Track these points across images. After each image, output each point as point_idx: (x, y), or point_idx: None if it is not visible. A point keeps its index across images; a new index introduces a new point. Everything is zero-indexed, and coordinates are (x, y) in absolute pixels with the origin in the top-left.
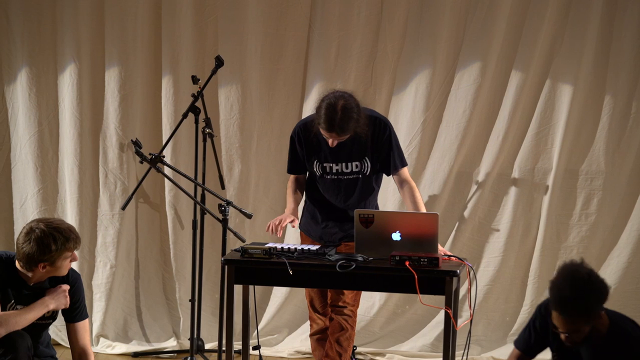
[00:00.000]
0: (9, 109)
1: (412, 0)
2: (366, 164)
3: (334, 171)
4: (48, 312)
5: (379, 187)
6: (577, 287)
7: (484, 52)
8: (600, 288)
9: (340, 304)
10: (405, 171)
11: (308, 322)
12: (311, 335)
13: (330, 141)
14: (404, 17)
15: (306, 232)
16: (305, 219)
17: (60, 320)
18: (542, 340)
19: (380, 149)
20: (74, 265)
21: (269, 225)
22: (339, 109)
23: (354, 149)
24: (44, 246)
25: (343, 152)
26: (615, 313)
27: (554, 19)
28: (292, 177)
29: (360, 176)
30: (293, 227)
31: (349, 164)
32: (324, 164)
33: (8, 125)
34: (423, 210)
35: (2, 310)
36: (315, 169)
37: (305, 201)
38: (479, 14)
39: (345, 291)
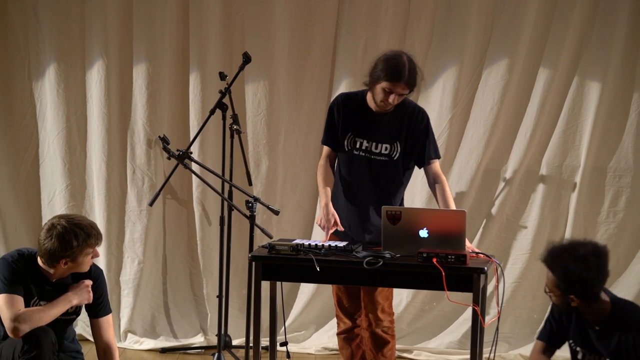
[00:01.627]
0: (38, 105)
1: None
2: (396, 148)
3: (364, 147)
4: (71, 307)
5: (407, 181)
6: (566, 248)
7: (512, 49)
8: (591, 263)
9: (378, 314)
10: (437, 164)
11: (335, 319)
12: (338, 334)
13: (390, 97)
14: (432, 14)
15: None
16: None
17: (87, 316)
18: (562, 328)
19: (416, 136)
20: (99, 262)
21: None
22: (406, 60)
23: (388, 130)
24: (65, 242)
25: (377, 130)
26: (620, 298)
27: (582, 15)
28: (323, 162)
29: (388, 159)
30: (341, 229)
31: (379, 145)
32: (356, 139)
33: (36, 121)
34: (453, 207)
35: (25, 307)
36: (346, 143)
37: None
38: (506, 11)
39: (380, 300)
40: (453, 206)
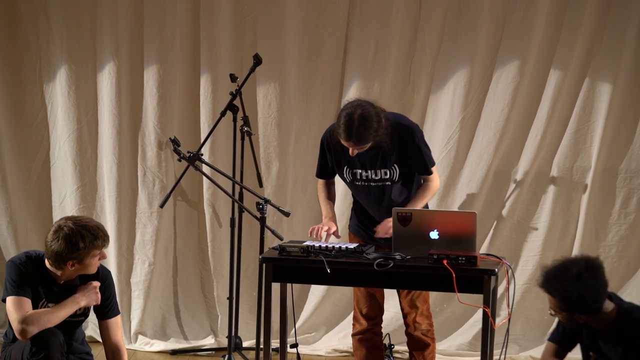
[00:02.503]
0: (49, 107)
1: None
2: (395, 171)
3: (364, 177)
4: (79, 309)
5: (417, 186)
6: (560, 271)
7: (523, 51)
8: (587, 280)
9: (417, 318)
10: (434, 170)
11: (345, 321)
12: (353, 335)
13: (350, 150)
14: (442, 16)
15: (356, 234)
16: (354, 221)
17: (92, 318)
18: (574, 330)
19: (409, 155)
20: (110, 264)
21: (313, 230)
22: (356, 117)
23: (380, 157)
24: (72, 244)
25: (370, 159)
26: (625, 303)
27: (593, 17)
28: (321, 181)
29: (389, 183)
30: (338, 237)
31: (378, 172)
32: (354, 170)
33: (47, 123)
34: (417, 205)
35: (33, 309)
36: (345, 175)
37: (354, 203)
38: (517, 13)
39: (418, 304)
40: (422, 200)
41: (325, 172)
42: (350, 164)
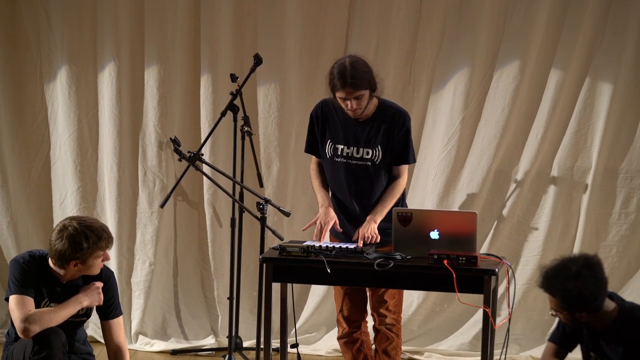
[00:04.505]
0: (49, 107)
1: None
2: (378, 152)
3: (344, 154)
4: (82, 309)
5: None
6: (559, 270)
7: (523, 51)
8: (586, 277)
9: (382, 311)
10: (406, 167)
11: None
12: (339, 338)
13: (348, 104)
14: (443, 16)
15: (335, 236)
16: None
17: (98, 318)
18: (574, 330)
19: (395, 139)
20: (110, 264)
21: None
22: (347, 64)
23: (368, 135)
24: (75, 244)
25: (357, 135)
26: (626, 302)
27: (593, 16)
28: (314, 166)
29: (370, 164)
30: (339, 230)
31: (361, 149)
32: (336, 145)
33: (48, 123)
34: (386, 205)
35: (36, 308)
36: (327, 150)
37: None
38: (517, 13)
39: (386, 298)
40: (391, 201)
41: (314, 146)
42: (334, 138)
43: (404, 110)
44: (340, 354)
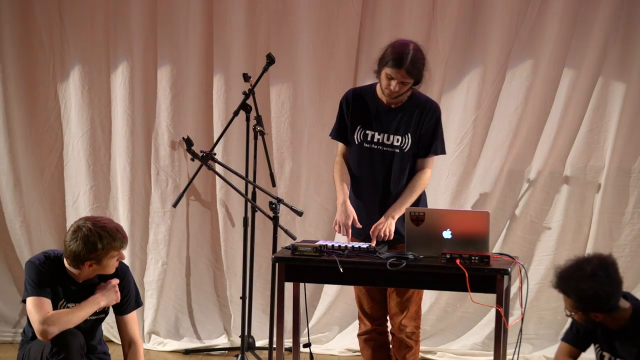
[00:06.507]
0: (62, 106)
1: None
2: (407, 140)
3: (375, 140)
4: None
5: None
6: (573, 270)
7: (536, 50)
8: (601, 277)
9: (403, 322)
10: (432, 159)
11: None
12: (359, 335)
13: (392, 84)
14: (456, 15)
15: (355, 235)
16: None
17: (111, 317)
18: (588, 330)
19: (426, 129)
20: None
21: (338, 225)
22: (411, 48)
23: (399, 122)
24: (90, 245)
25: (388, 122)
26: None
27: (606, 15)
28: (339, 159)
29: (398, 151)
30: (358, 226)
31: (391, 136)
32: (367, 131)
33: (61, 122)
34: (410, 197)
35: (53, 308)
36: (356, 136)
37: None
38: (530, 12)
39: (408, 305)
40: (411, 197)
41: (342, 132)
42: (364, 124)
43: (435, 101)
44: (354, 354)
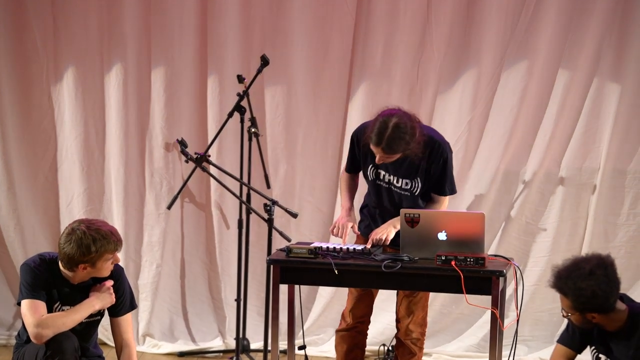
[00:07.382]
0: (56, 109)
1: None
2: (417, 184)
3: (387, 180)
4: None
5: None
6: (572, 269)
7: (531, 51)
8: (599, 277)
9: (410, 327)
10: (447, 198)
11: None
12: (337, 331)
13: (377, 157)
14: (450, 16)
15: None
16: (365, 223)
17: (105, 319)
18: (584, 332)
19: (433, 171)
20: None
21: (336, 226)
22: (390, 125)
23: (407, 166)
24: (84, 247)
25: (396, 166)
26: (637, 303)
27: (601, 16)
28: (346, 173)
29: (409, 194)
30: (355, 233)
31: (401, 180)
32: (379, 170)
33: (54, 125)
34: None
35: (48, 311)
36: (369, 173)
37: (366, 205)
38: (525, 12)
39: (415, 310)
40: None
41: (355, 167)
42: (376, 165)
43: (444, 141)
44: None
